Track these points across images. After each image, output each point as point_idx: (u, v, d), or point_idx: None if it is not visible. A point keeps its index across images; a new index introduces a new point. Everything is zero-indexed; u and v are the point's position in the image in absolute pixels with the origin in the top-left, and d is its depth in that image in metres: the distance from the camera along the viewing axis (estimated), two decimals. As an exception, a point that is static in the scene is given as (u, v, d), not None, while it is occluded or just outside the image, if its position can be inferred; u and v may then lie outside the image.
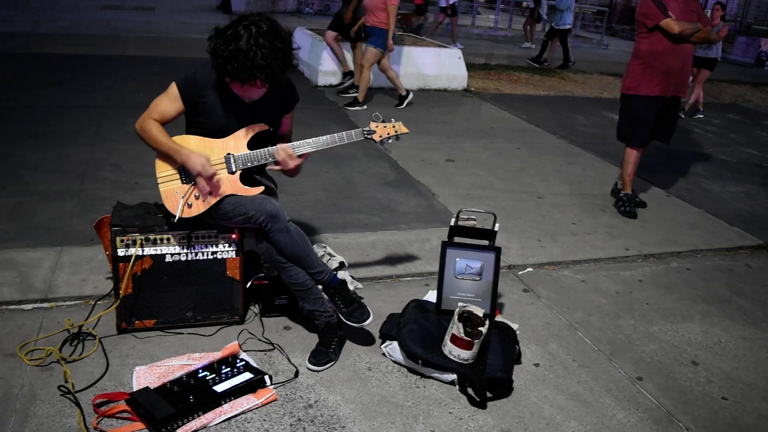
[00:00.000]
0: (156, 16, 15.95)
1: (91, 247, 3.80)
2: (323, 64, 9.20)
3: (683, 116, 9.58)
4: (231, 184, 2.96)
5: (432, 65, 9.75)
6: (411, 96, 8.49)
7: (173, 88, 2.91)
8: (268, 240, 2.95)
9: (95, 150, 5.58)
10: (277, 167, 3.03)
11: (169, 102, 2.90)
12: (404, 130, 3.17)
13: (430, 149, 6.58)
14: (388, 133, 3.13)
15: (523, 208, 5.23)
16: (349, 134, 3.06)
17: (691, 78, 9.57)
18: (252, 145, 3.00)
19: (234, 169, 2.96)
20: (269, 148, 2.99)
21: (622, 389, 3.05)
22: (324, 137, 3.01)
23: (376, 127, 3.11)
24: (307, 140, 3.02)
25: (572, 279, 4.14)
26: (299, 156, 3.00)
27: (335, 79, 9.28)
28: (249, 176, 3.04)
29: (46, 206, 4.40)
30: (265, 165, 3.09)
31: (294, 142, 3.02)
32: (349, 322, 2.97)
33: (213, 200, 2.93)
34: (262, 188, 3.01)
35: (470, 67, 10.92)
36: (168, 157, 2.92)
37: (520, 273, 4.14)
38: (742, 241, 5.04)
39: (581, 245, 4.63)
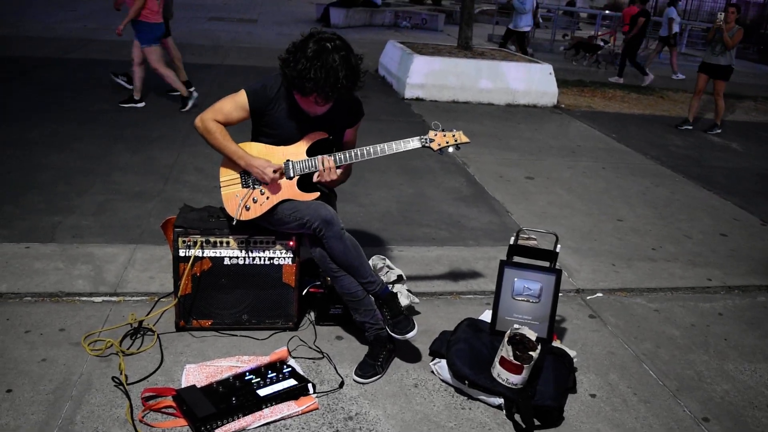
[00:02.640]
0: (257, 28, 16.55)
1: (163, 246, 3.95)
2: (411, 77, 9.23)
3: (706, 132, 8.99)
4: (288, 189, 3.00)
5: (521, 80, 9.59)
6: (194, 99, 7.58)
7: (242, 97, 2.97)
8: (322, 246, 2.97)
9: (182, 154, 5.83)
10: (315, 179, 3.02)
11: (235, 108, 2.97)
12: (464, 139, 3.10)
13: (510, 165, 6.45)
14: (447, 142, 3.07)
15: (600, 230, 5.03)
16: (407, 142, 3.03)
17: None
18: (312, 152, 3.04)
19: (292, 175, 3.00)
20: (328, 154, 3.01)
21: (684, 429, 2.85)
22: (380, 145, 3.00)
23: (435, 135, 3.07)
24: (365, 147, 3.01)
25: (644, 307, 3.93)
26: (339, 167, 3.00)
27: (423, 93, 9.29)
28: (307, 182, 3.07)
29: (129, 205, 4.63)
30: None
31: (346, 152, 3.02)
32: (393, 334, 2.94)
33: (269, 204, 2.99)
34: (317, 194, 3.04)
35: (563, 83, 10.68)
36: (231, 162, 3.00)
37: (588, 298, 3.97)
38: (843, 278, 4.63)
39: (659, 272, 4.39)
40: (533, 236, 3.26)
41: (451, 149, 3.09)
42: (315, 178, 3.01)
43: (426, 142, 3.05)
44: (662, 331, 3.67)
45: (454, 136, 3.08)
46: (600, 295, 4.02)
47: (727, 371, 3.34)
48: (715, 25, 8.70)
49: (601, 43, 15.90)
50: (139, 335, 3.10)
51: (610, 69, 14.64)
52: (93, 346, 3.00)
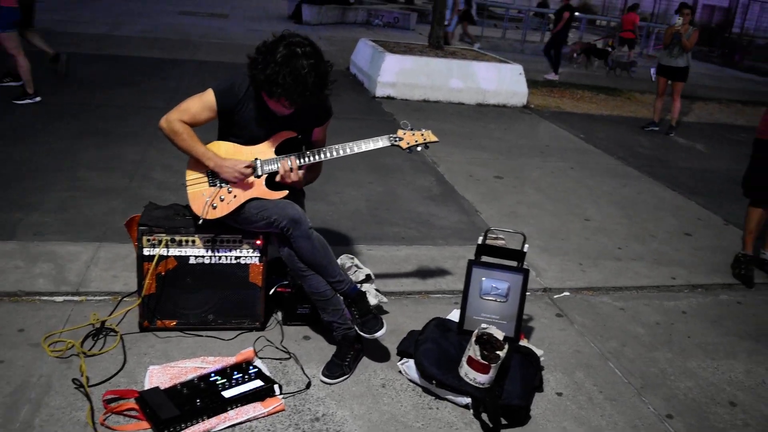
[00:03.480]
0: (228, 23, 16.39)
1: (128, 245, 3.85)
2: (382, 75, 9.21)
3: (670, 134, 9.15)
4: (256, 188, 2.97)
5: (492, 80, 9.64)
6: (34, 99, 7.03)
7: (209, 96, 2.92)
8: (290, 245, 2.94)
9: (149, 150, 5.74)
10: (278, 179, 2.99)
11: (203, 109, 2.91)
12: (433, 138, 3.11)
13: (480, 165, 6.47)
14: (416, 141, 3.07)
15: (567, 229, 5.07)
16: (375, 141, 3.02)
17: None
18: (281, 151, 3.00)
19: (260, 173, 2.97)
20: (296, 153, 2.99)
21: (648, 427, 2.89)
22: (348, 144, 2.99)
23: (404, 134, 3.07)
24: (332, 147, 3.00)
25: (610, 306, 3.97)
26: (302, 167, 2.99)
27: (394, 91, 9.28)
28: (274, 181, 3.03)
29: (93, 202, 4.54)
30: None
31: (315, 150, 3.01)
32: (361, 333, 2.92)
33: (237, 203, 2.95)
34: (285, 192, 3.01)
35: (533, 84, 10.76)
36: (198, 162, 2.95)
37: (555, 297, 4.00)
38: (802, 278, 4.73)
39: (624, 271, 4.44)
40: (501, 236, 3.27)
41: (419, 148, 3.09)
42: (277, 179, 2.97)
43: (395, 141, 3.05)
44: (627, 329, 3.72)
45: (422, 135, 3.08)
46: (567, 294, 4.06)
47: (690, 368, 3.39)
48: (673, 29, 8.85)
49: (609, 49, 16.16)
50: (101, 336, 3.03)
51: (623, 74, 14.79)
52: (53, 347, 2.92)
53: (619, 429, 2.84)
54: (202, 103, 2.93)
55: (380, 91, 9.25)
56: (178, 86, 8.35)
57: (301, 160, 2.98)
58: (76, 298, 3.37)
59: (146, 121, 6.62)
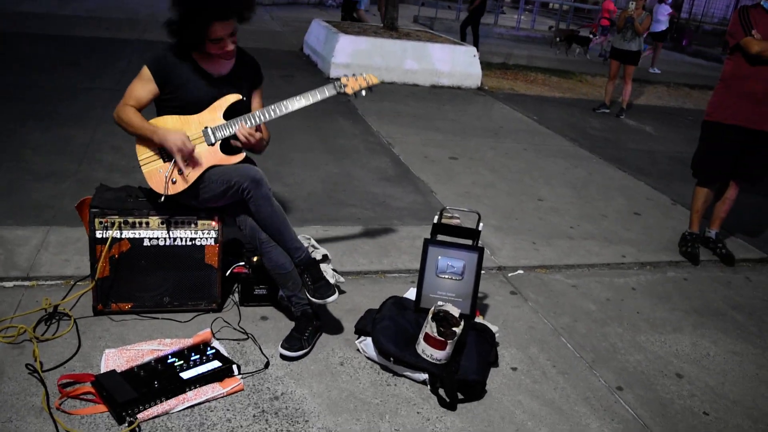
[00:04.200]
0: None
1: (79, 228, 3.78)
2: (336, 56, 9.16)
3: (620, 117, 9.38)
4: (212, 156, 2.95)
5: (446, 62, 9.68)
6: None
7: (145, 71, 2.93)
8: (250, 212, 2.94)
9: (98, 132, 5.61)
10: (238, 144, 3.01)
11: (143, 85, 2.93)
12: (375, 80, 3.16)
13: (435, 146, 6.52)
14: (360, 85, 3.11)
15: (521, 209, 5.16)
16: (322, 90, 3.04)
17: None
18: (228, 116, 3.00)
19: (213, 141, 2.96)
20: (244, 116, 2.99)
21: (599, 398, 2.99)
22: (296, 98, 3.01)
23: (348, 80, 3.11)
24: (278, 104, 3.01)
25: (563, 283, 4.07)
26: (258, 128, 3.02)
27: (348, 72, 9.21)
28: (230, 146, 3.03)
29: (41, 186, 4.42)
30: None
31: (262, 109, 3.02)
32: (313, 299, 2.94)
33: (196, 174, 2.92)
34: (243, 155, 3.02)
35: (487, 66, 10.86)
36: (147, 140, 2.91)
37: (510, 275, 4.08)
38: (744, 254, 4.93)
39: (576, 250, 4.55)
40: (456, 215, 3.31)
41: (364, 92, 3.14)
42: (237, 143, 2.99)
43: (340, 88, 3.09)
44: (579, 305, 3.82)
45: (365, 78, 3.14)
46: (521, 272, 4.14)
47: (639, 342, 3.51)
48: (627, 14, 9.03)
49: (591, 36, 16.38)
50: (54, 320, 2.97)
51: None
52: (4, 333, 2.85)
53: (571, 401, 2.93)
54: (140, 80, 2.95)
55: (334, 72, 9.19)
56: (126, 67, 8.15)
57: (255, 120, 2.98)
58: (26, 283, 3.29)
59: (94, 102, 6.46)
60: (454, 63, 9.74)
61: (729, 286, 4.40)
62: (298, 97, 3.01)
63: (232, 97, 3.01)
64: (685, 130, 9.18)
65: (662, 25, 14.95)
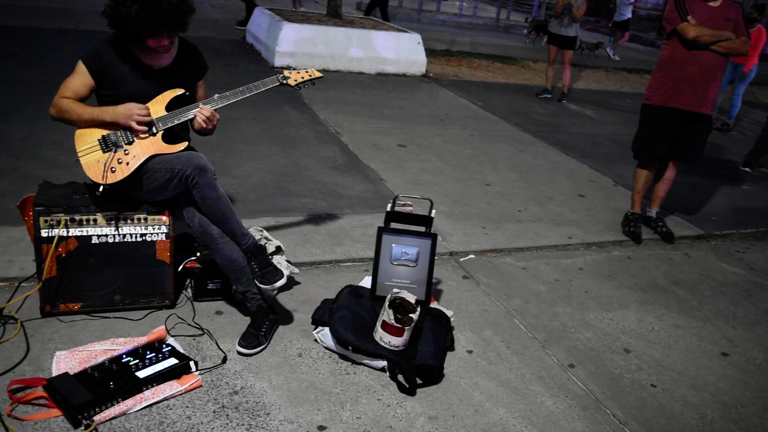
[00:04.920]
0: (113, -9, 15.49)
1: (21, 228, 3.64)
2: (280, 45, 9.05)
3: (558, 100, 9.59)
4: (154, 145, 2.92)
5: (391, 49, 9.69)
6: None
7: (80, 65, 2.91)
8: (193, 203, 2.92)
9: (36, 127, 5.41)
10: (195, 128, 3.04)
11: (79, 79, 2.89)
12: (318, 74, 3.31)
13: (382, 134, 6.53)
14: (302, 78, 3.25)
15: (470, 194, 5.23)
16: (265, 82, 3.13)
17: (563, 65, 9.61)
18: (170, 108, 2.98)
19: (155, 131, 2.92)
20: (190, 105, 2.99)
21: (553, 376, 3.07)
22: (241, 88, 3.06)
23: (290, 73, 3.23)
24: (224, 94, 3.04)
25: (513, 266, 4.16)
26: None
27: (292, 61, 9.15)
28: (171, 135, 3.00)
29: (-23, 184, 4.25)
30: (186, 126, 3.09)
31: (211, 98, 3.04)
32: (261, 285, 2.94)
33: (136, 162, 2.87)
34: (185, 143, 3.00)
35: (431, 53, 10.89)
36: (89, 128, 2.88)
37: (461, 260, 4.14)
38: (682, 231, 5.12)
39: (525, 233, 4.65)
40: (409, 202, 3.34)
41: (306, 85, 3.28)
42: (197, 126, 3.00)
43: (283, 80, 3.20)
44: (530, 287, 3.91)
45: (308, 72, 3.29)
46: (472, 256, 4.21)
47: (588, 321, 3.63)
48: (565, 0, 9.21)
49: None
50: (-1, 324, 2.89)
51: (591, 55, 15.27)
52: (-54, 339, 2.76)
53: (526, 380, 3.01)
54: (76, 75, 2.91)
55: (279, 61, 9.09)
56: (63, 57, 7.84)
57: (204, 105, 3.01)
58: (-33, 285, 3.17)
59: (30, 96, 6.22)
60: (399, 50, 9.76)
61: (670, 263, 4.57)
62: (242, 89, 3.06)
63: (174, 92, 2.99)
64: (623, 114, 9.44)
65: (627, 15, 15.36)
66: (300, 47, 9.15)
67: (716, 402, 3.08)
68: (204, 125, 2.98)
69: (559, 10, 9.34)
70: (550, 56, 9.62)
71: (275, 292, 3.20)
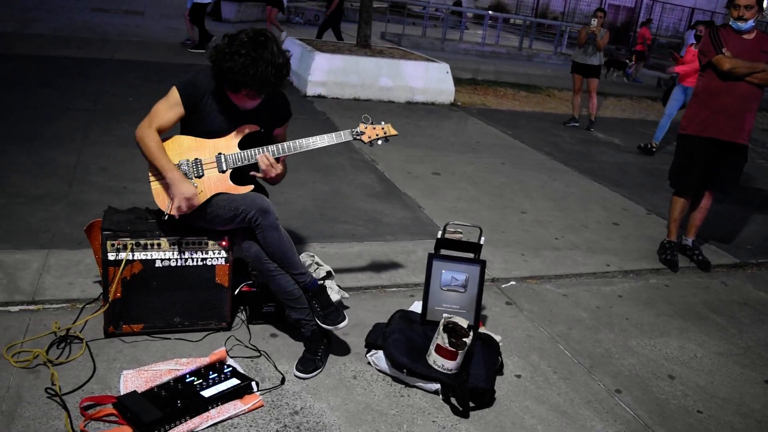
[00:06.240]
0: (145, 21, 15.95)
1: (78, 251, 3.80)
2: (313, 74, 9.26)
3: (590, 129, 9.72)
4: (221, 183, 3.01)
5: (420, 78, 9.86)
6: None
7: (174, 93, 2.97)
8: (256, 240, 2.99)
9: (83, 154, 5.58)
10: (258, 175, 3.08)
11: (170, 107, 2.96)
12: (393, 132, 3.26)
13: (416, 162, 6.65)
14: (377, 135, 3.21)
15: (507, 222, 5.31)
16: (339, 135, 3.15)
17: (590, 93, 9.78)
18: (243, 146, 3.06)
19: (225, 168, 3.01)
20: (260, 147, 3.05)
21: (601, 401, 3.12)
22: (312, 138, 3.09)
23: (365, 128, 3.20)
24: (296, 140, 3.09)
25: (554, 293, 4.22)
26: (277, 159, 3.07)
27: (324, 90, 9.34)
28: (240, 176, 3.08)
29: (33, 209, 4.40)
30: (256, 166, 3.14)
31: (281, 144, 3.09)
32: (324, 325, 3.01)
33: (202, 198, 2.97)
34: (252, 186, 3.07)
35: (457, 81, 11.04)
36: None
37: (503, 286, 4.21)
38: (718, 260, 5.15)
39: (563, 260, 4.71)
40: (459, 230, 3.43)
41: (380, 142, 3.23)
42: (259, 175, 3.05)
43: (357, 135, 3.18)
44: (572, 314, 3.97)
45: (383, 128, 3.24)
46: (513, 283, 4.28)
47: (631, 347, 3.67)
48: (589, 30, 9.38)
49: (627, 61, 17.70)
50: (66, 344, 2.99)
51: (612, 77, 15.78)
52: (17, 358, 2.86)
53: (575, 405, 3.06)
54: (168, 102, 2.98)
55: (311, 90, 9.29)
56: (101, 87, 8.10)
57: (272, 151, 3.05)
58: (32, 307, 3.29)
59: (74, 123, 6.42)
60: (428, 79, 9.93)
61: (707, 291, 4.61)
62: (314, 138, 3.08)
63: (250, 128, 3.06)
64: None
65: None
66: (332, 77, 9.35)
67: (762, 429, 3.11)
68: (266, 171, 3.03)
69: (582, 39, 9.50)
70: (575, 85, 9.76)
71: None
